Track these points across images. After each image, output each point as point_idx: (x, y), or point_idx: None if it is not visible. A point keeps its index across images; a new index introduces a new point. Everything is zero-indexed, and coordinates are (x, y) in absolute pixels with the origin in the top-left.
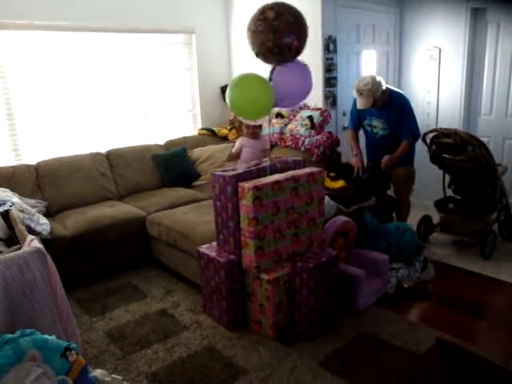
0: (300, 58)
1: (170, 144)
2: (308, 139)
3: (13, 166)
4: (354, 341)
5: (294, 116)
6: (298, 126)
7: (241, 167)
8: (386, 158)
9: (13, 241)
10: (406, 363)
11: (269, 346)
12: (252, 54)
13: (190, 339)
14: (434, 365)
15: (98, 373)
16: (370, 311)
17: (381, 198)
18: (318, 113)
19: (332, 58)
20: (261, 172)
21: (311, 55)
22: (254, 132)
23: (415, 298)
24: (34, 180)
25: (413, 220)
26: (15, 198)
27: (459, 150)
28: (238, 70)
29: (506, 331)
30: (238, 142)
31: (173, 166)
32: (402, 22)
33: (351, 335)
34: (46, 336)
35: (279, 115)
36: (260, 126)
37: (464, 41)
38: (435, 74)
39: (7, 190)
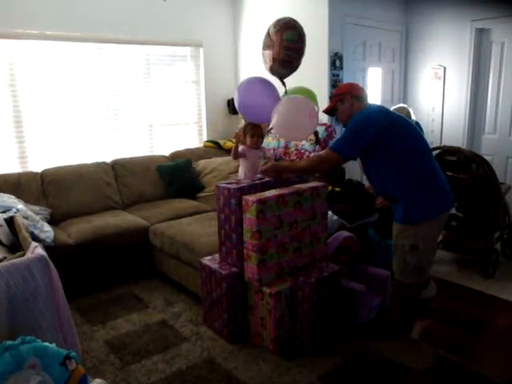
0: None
1: (175, 155)
2: (313, 154)
3: (19, 173)
4: (355, 356)
5: None
6: (302, 141)
7: (245, 180)
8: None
9: (16, 247)
10: (407, 380)
11: (269, 360)
12: (260, 68)
13: (190, 351)
14: (435, 382)
15: (96, 382)
16: (372, 327)
17: (384, 214)
18: (323, 128)
19: (338, 75)
20: (265, 186)
21: (317, 71)
22: (257, 142)
23: (417, 315)
24: (39, 187)
25: None
26: (20, 205)
27: (463, 167)
28: None
29: (507, 350)
30: (241, 147)
31: (177, 177)
32: (408, 40)
33: (352, 351)
34: (46, 344)
35: None
36: (262, 137)
37: (468, 60)
38: (440, 92)
39: (12, 196)
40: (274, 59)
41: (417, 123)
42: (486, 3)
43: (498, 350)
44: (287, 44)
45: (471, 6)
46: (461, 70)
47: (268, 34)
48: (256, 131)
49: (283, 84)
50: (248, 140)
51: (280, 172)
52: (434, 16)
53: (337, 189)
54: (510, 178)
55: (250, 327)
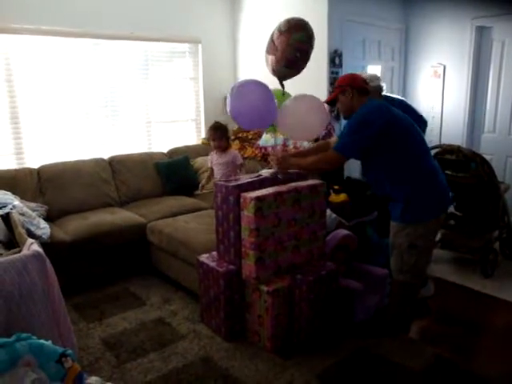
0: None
1: (172, 152)
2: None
3: (15, 169)
4: (352, 355)
5: None
6: None
7: (244, 178)
8: None
9: (12, 244)
10: (405, 380)
11: (266, 358)
12: (258, 65)
13: (187, 349)
14: (433, 382)
15: (93, 380)
16: (369, 325)
17: (382, 213)
18: None
19: (337, 72)
20: (264, 183)
21: (317, 68)
22: (220, 145)
23: (414, 314)
24: (35, 184)
25: None
26: (16, 201)
27: (462, 166)
28: None
29: (504, 350)
30: (209, 157)
31: (175, 174)
32: (408, 39)
33: (349, 349)
34: (42, 341)
35: None
36: (227, 139)
37: (468, 58)
38: (439, 90)
39: (8, 192)
40: (278, 61)
41: (421, 116)
42: (487, 1)
43: (495, 349)
44: (295, 43)
45: (471, 3)
46: (461, 69)
47: (272, 38)
48: (215, 135)
49: (282, 86)
50: (211, 144)
51: (287, 163)
52: (433, 14)
53: (336, 187)
54: (509, 177)
55: (247, 325)
